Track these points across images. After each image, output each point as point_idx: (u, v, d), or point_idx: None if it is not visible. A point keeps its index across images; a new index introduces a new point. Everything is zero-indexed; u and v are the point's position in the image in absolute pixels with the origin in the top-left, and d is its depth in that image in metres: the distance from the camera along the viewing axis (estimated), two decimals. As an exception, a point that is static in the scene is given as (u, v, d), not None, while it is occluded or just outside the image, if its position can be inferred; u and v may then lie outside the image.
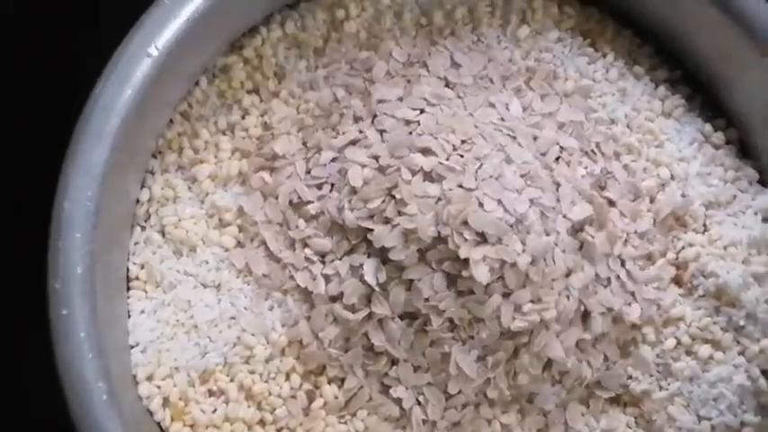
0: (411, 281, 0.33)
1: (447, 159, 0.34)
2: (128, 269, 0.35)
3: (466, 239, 0.32)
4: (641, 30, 0.40)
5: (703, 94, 0.39)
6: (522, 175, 0.34)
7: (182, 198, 0.36)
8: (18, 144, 0.42)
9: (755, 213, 0.37)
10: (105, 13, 0.41)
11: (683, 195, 0.37)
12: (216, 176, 0.36)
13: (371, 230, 0.33)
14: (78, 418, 0.30)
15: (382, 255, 0.33)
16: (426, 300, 0.33)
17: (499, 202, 0.33)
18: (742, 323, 0.35)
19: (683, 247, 0.36)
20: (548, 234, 0.34)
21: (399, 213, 0.33)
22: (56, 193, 0.32)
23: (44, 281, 0.31)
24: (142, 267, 0.35)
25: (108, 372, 0.31)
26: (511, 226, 0.33)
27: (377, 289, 0.33)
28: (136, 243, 0.36)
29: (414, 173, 0.34)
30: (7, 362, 0.41)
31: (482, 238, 0.33)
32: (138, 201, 0.36)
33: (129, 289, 0.35)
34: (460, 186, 0.33)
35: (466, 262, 0.32)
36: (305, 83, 0.38)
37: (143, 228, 0.36)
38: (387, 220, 0.33)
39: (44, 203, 0.32)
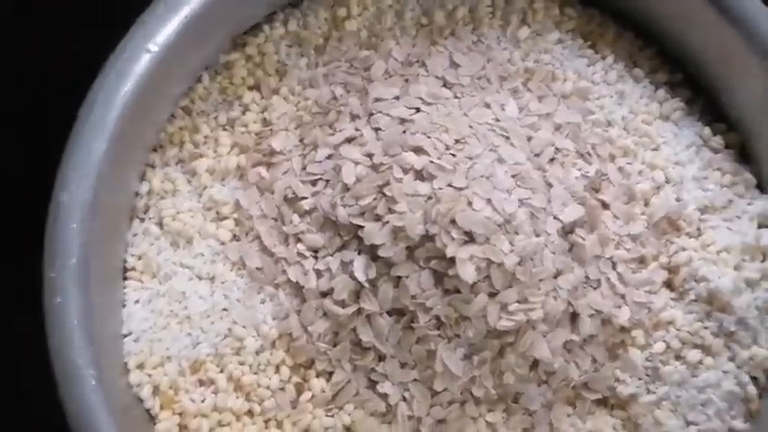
0: (399, 278, 0.33)
1: (439, 158, 0.34)
2: (125, 260, 0.36)
3: (453, 238, 0.33)
4: (643, 32, 0.40)
5: (705, 98, 0.39)
6: (513, 176, 0.34)
7: (181, 191, 0.37)
8: (18, 144, 0.42)
9: (751, 219, 0.36)
10: (105, 13, 0.41)
11: (677, 199, 0.37)
12: (214, 171, 0.37)
13: (362, 227, 0.34)
14: (67, 403, 0.31)
15: (372, 251, 0.34)
16: (413, 297, 0.33)
17: (488, 201, 0.33)
18: (732, 329, 0.35)
19: (675, 251, 0.36)
20: (537, 235, 0.34)
21: (390, 211, 0.33)
22: (54, 185, 0.32)
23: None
24: (139, 258, 0.36)
25: (98, 359, 0.31)
26: (499, 226, 0.33)
27: (366, 285, 0.34)
28: (134, 235, 0.36)
29: (405, 171, 0.34)
30: (8, 362, 0.41)
31: (470, 238, 0.33)
32: (137, 193, 0.37)
33: (125, 279, 0.36)
34: (450, 185, 0.33)
35: (453, 261, 0.33)
36: (305, 80, 0.38)
37: (142, 220, 0.37)
38: (377, 218, 0.34)
39: (44, 203, 0.32)
